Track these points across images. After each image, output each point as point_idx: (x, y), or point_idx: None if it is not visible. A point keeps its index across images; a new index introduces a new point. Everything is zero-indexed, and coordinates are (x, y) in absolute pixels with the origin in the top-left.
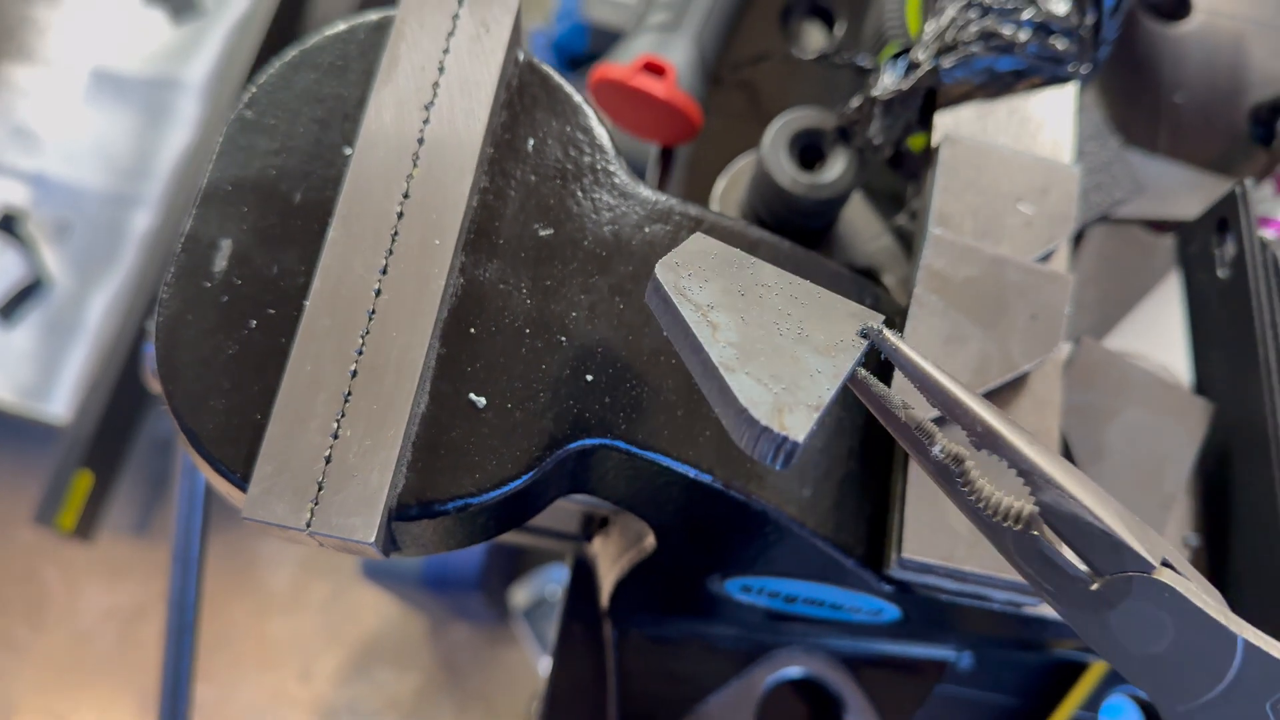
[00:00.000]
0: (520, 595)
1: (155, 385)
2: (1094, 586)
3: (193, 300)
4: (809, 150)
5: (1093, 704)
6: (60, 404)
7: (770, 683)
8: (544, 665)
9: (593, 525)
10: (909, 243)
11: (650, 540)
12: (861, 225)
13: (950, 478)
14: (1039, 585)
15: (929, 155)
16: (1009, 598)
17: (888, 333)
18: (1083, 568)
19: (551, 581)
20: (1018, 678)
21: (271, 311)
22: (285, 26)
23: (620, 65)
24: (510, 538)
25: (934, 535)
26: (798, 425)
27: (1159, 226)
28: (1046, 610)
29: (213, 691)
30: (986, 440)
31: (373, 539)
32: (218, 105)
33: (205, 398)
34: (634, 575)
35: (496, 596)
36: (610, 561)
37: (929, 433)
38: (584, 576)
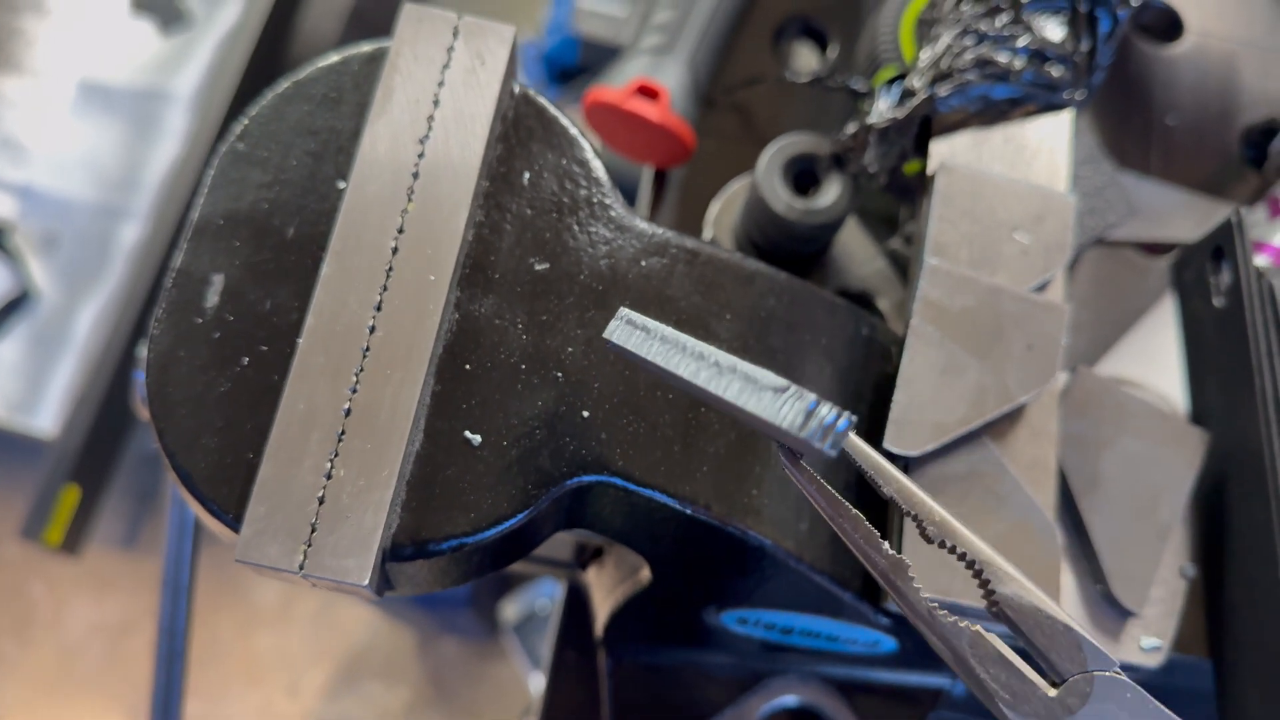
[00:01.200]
0: (510, 610)
1: (145, 413)
2: (1053, 693)
3: (184, 336)
4: (803, 175)
5: None
6: (47, 418)
7: (765, 711)
8: (533, 680)
9: (586, 553)
10: (903, 266)
11: (646, 573)
12: (855, 249)
13: (904, 573)
14: (994, 695)
15: (924, 179)
16: (1007, 631)
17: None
18: (1038, 679)
19: (542, 596)
20: None
21: (264, 348)
22: (274, 39)
23: (613, 88)
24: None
25: (931, 569)
26: (836, 411)
27: (1152, 249)
28: None
29: (200, 707)
30: (944, 531)
31: (366, 581)
32: (206, 117)
33: (198, 436)
34: (629, 607)
35: (486, 611)
36: (605, 593)
37: (875, 534)
38: (577, 602)
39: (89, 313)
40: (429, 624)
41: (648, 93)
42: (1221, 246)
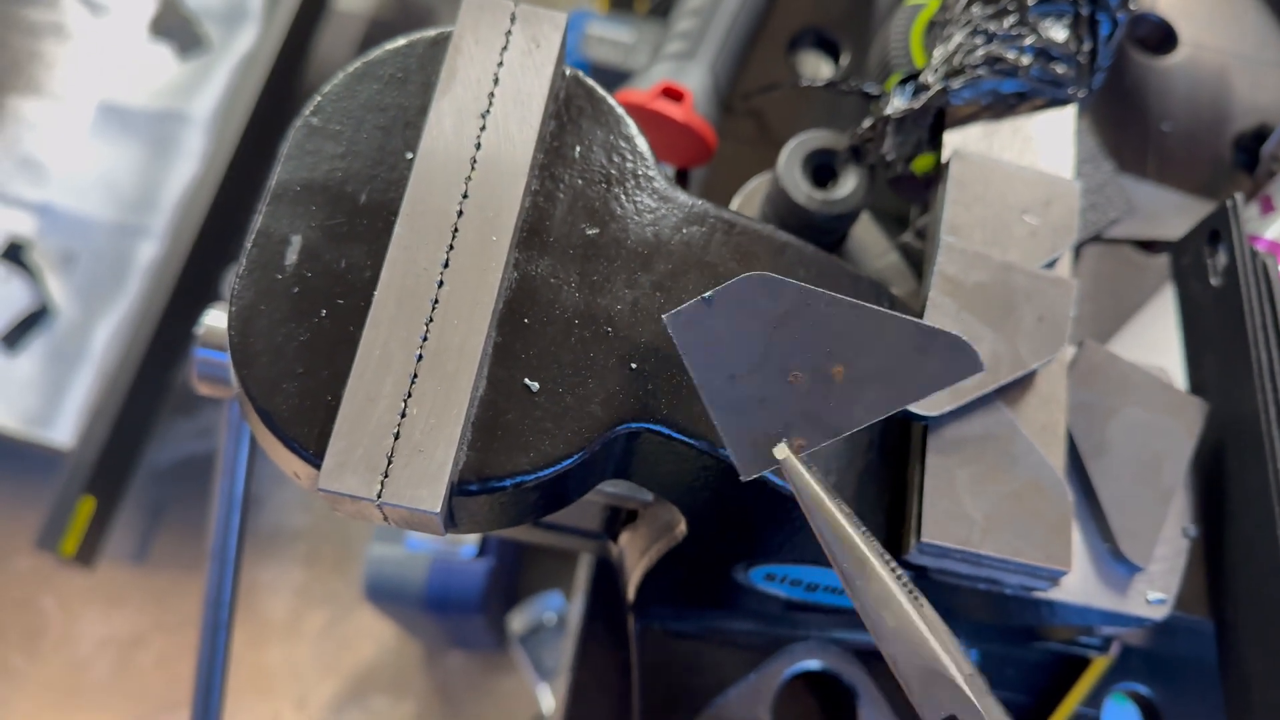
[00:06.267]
0: (518, 621)
1: (202, 388)
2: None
3: (265, 292)
4: (822, 169)
5: (1094, 700)
6: (64, 431)
7: (787, 675)
8: (541, 692)
9: (617, 522)
10: (915, 260)
11: (681, 528)
12: (869, 243)
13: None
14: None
15: (934, 176)
16: (1021, 581)
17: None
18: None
19: (548, 609)
20: (1022, 674)
21: (341, 302)
22: (290, 63)
23: (640, 90)
24: (535, 537)
25: (951, 521)
26: None
27: (1149, 247)
28: (1057, 594)
29: None
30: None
31: (438, 509)
32: (223, 139)
33: (279, 381)
34: (662, 564)
35: (494, 622)
36: (638, 554)
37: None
38: (604, 577)
39: (105, 328)
40: (436, 637)
41: (672, 94)
42: (1218, 230)
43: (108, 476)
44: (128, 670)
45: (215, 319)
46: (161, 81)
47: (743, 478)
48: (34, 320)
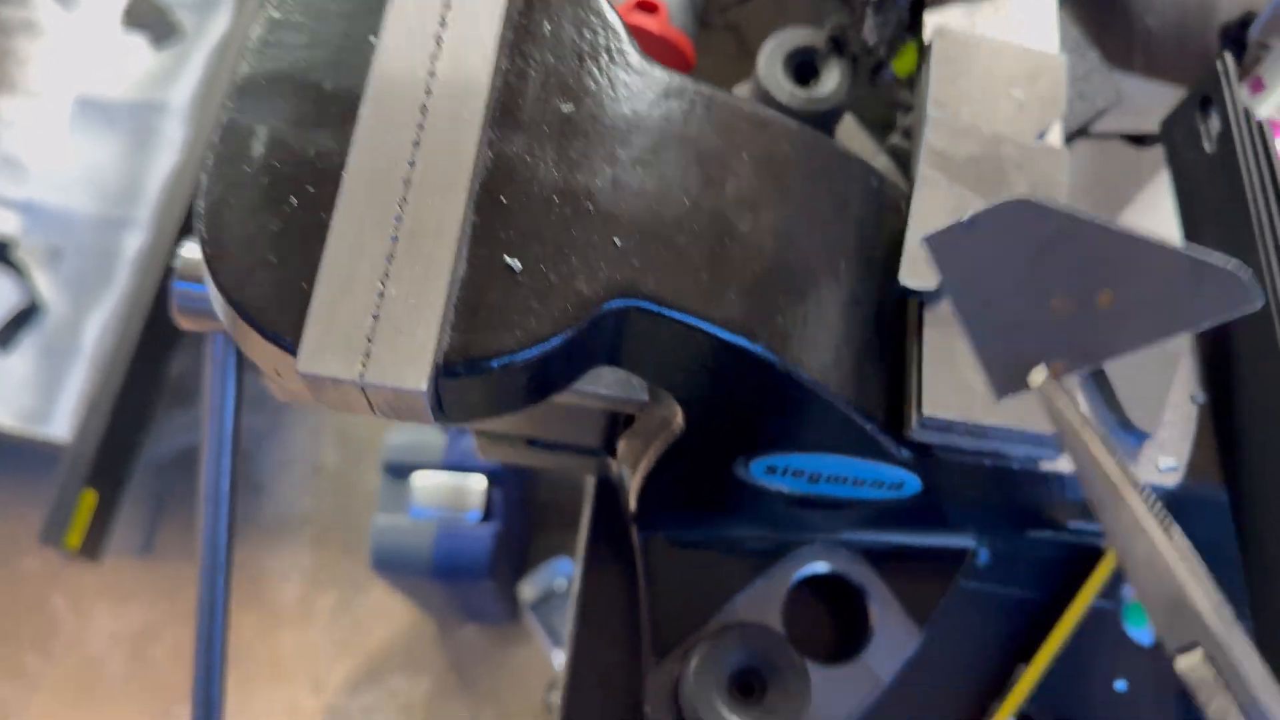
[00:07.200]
0: (528, 590)
1: (183, 322)
2: None
3: (234, 184)
4: (803, 67)
5: (1110, 592)
6: (61, 426)
7: (795, 579)
8: (556, 658)
9: (616, 431)
10: (903, 162)
11: (679, 422)
12: (857, 147)
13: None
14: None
15: (920, 51)
16: (1027, 452)
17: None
18: None
19: (559, 575)
20: (1034, 571)
21: (311, 189)
22: None
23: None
24: (535, 459)
25: (952, 394)
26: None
27: (1139, 141)
28: (1062, 466)
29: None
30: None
31: (424, 387)
32: (203, 126)
33: (252, 272)
34: (662, 463)
35: (505, 593)
36: (637, 460)
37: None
38: (606, 496)
39: (96, 321)
40: (448, 611)
41: (646, 6)
42: (1209, 96)
43: (108, 469)
44: (141, 664)
45: (191, 250)
46: (138, 72)
47: (996, 399)
48: (24, 318)
